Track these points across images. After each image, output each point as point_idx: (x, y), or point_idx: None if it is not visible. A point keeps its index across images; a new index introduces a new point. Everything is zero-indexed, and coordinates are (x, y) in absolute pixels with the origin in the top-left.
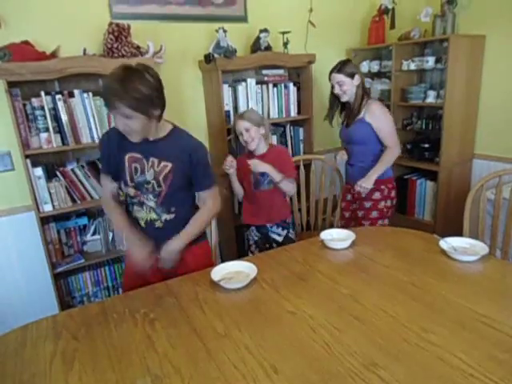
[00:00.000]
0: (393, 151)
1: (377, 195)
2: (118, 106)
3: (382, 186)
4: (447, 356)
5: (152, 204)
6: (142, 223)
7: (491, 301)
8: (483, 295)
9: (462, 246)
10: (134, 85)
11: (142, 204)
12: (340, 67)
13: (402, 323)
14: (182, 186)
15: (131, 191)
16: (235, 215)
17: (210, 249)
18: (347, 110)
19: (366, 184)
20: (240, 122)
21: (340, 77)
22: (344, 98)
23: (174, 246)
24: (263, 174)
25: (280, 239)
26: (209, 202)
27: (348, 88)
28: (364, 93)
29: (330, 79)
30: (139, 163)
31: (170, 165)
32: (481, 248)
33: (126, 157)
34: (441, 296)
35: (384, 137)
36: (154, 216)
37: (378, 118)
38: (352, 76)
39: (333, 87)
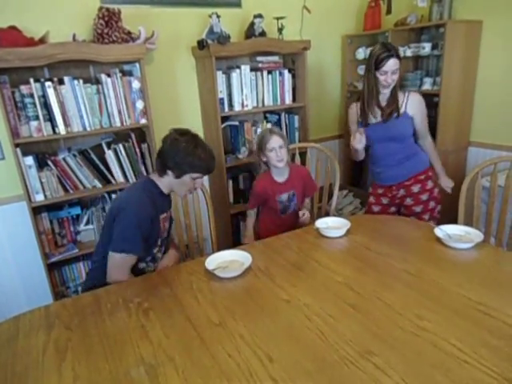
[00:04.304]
0: (432, 141)
1: (430, 184)
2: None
3: (430, 173)
4: (442, 343)
5: (160, 255)
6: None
7: (486, 288)
8: (478, 282)
9: (456, 234)
10: None
11: (155, 259)
12: (396, 51)
13: (396, 311)
14: None
15: (156, 249)
16: (230, 204)
17: None
18: (371, 102)
19: (450, 183)
20: (275, 137)
21: (398, 63)
22: (388, 89)
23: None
24: (291, 200)
25: None
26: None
27: (397, 77)
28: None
29: (380, 65)
30: (167, 220)
31: (169, 213)
32: (475, 235)
33: (161, 218)
34: (436, 283)
35: (422, 128)
36: (152, 267)
37: (422, 110)
38: (400, 62)
39: (379, 75)
